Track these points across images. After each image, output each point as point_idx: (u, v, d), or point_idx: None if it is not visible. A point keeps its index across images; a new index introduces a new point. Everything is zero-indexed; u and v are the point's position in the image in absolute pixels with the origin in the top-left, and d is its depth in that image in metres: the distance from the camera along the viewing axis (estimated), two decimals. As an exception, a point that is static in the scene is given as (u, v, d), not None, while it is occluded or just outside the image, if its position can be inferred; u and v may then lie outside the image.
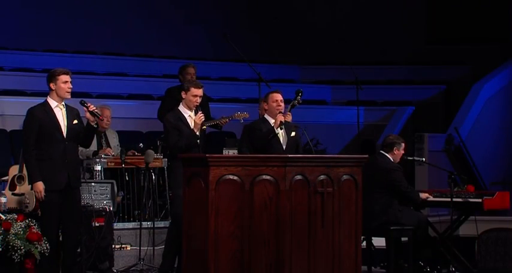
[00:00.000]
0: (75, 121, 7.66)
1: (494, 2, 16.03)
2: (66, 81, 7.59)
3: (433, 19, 17.07)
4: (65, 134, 7.56)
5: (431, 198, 9.21)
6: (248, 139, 8.53)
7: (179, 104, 8.28)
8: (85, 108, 7.68)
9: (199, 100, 8.20)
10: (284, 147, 8.29)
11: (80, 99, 7.84)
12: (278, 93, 8.43)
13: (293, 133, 8.38)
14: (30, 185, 7.67)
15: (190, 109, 8.21)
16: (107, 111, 9.89)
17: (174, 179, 8.14)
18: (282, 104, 8.35)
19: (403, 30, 16.79)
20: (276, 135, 8.25)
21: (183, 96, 8.21)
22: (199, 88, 8.21)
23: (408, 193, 8.82)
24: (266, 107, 8.43)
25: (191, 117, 8.19)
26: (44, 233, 7.56)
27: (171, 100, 9.42)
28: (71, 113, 7.67)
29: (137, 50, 15.57)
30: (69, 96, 7.63)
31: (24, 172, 8.23)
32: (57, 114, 7.58)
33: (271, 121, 8.33)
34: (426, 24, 17.14)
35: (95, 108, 7.65)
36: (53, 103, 7.60)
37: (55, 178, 7.52)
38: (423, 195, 9.13)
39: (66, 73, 7.61)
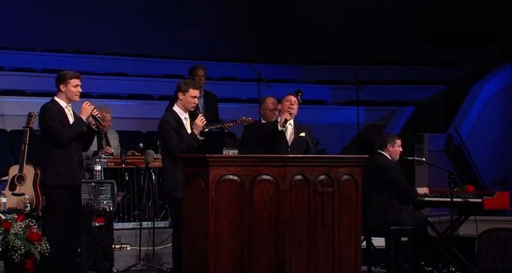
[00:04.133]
0: None
1: (494, 2, 16.02)
2: (77, 85, 7.66)
3: (432, 19, 17.05)
4: None
5: (428, 194, 9.21)
6: (255, 137, 8.58)
7: (174, 105, 8.04)
8: None
9: (197, 101, 8.02)
10: (289, 144, 8.37)
11: (84, 100, 7.85)
12: (292, 95, 8.54)
13: (302, 134, 8.46)
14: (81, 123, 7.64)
15: (185, 110, 7.94)
16: (107, 114, 9.90)
17: (172, 182, 7.79)
18: (294, 106, 8.44)
19: (403, 30, 16.77)
20: (279, 132, 8.32)
21: (180, 97, 7.90)
22: (197, 89, 8.02)
23: (406, 192, 8.81)
24: (280, 108, 8.55)
25: (187, 119, 7.95)
26: (50, 231, 7.54)
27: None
28: (76, 114, 7.72)
29: (137, 50, 15.56)
30: (78, 99, 7.70)
31: (24, 172, 8.26)
32: (67, 114, 7.65)
33: None
34: (426, 24, 17.12)
35: (97, 112, 7.69)
36: (62, 103, 7.68)
37: (72, 173, 7.60)
38: (421, 190, 9.17)
39: (77, 77, 7.67)
